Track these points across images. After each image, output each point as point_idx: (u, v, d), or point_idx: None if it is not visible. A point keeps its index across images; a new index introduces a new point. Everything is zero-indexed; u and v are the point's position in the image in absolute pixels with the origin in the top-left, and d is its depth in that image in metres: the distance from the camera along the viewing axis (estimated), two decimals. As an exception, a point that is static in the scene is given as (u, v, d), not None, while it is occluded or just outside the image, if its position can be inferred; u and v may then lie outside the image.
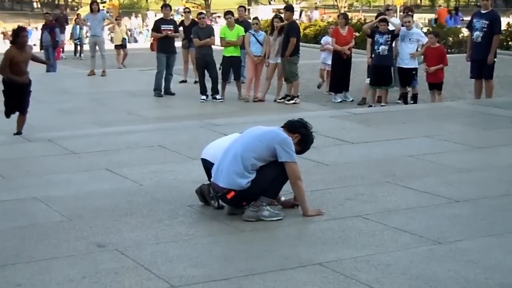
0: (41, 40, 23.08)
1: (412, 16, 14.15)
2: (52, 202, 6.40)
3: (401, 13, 20.33)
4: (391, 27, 14.16)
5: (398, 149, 8.57)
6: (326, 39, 15.38)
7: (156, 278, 4.66)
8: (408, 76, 13.29)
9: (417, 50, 13.34)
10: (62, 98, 15.23)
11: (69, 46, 29.52)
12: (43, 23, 23.95)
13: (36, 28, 39.73)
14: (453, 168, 7.61)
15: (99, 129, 10.56)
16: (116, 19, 24.56)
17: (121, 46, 22.91)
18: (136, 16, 50.24)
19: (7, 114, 10.67)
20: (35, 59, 11.26)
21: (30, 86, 10.59)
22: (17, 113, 10.50)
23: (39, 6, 72.54)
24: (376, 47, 13.40)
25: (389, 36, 13.25)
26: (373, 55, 13.52)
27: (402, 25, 13.89)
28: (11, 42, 11.01)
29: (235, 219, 5.86)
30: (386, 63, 13.37)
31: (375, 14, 16.13)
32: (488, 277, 4.64)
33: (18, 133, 10.44)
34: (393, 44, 13.66)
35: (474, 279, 4.60)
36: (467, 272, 4.71)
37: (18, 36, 10.54)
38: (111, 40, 24.57)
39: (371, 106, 13.25)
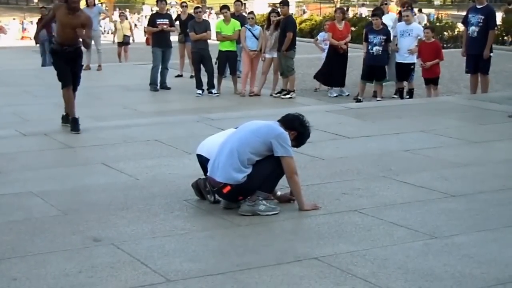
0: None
1: (412, 10, 14.09)
2: (48, 197, 6.40)
3: (399, 8, 20.29)
4: (387, 20, 14.16)
5: (394, 144, 8.58)
6: (324, 35, 15.35)
7: (152, 272, 4.66)
8: (406, 71, 13.29)
9: (416, 46, 13.33)
10: (57, 93, 15.03)
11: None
12: (39, 17, 23.87)
13: (32, 22, 39.68)
14: (449, 163, 7.62)
15: (95, 123, 10.54)
16: (119, 16, 24.36)
17: (123, 44, 22.53)
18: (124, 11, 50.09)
19: (66, 83, 9.64)
20: (86, 33, 9.47)
21: (81, 59, 9.79)
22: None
23: (36, 0, 72.18)
24: (369, 47, 13.38)
25: (384, 37, 13.23)
26: (366, 55, 13.52)
27: (400, 20, 13.89)
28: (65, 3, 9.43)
29: (231, 213, 5.86)
30: (380, 63, 13.37)
31: (371, 9, 16.12)
32: (484, 272, 4.65)
33: (74, 120, 9.41)
34: (391, 40, 13.67)
35: (470, 274, 4.61)
36: (463, 267, 4.72)
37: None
38: (113, 37, 23.92)
39: (360, 100, 13.22)
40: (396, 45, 13.37)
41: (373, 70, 13.39)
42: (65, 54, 9.49)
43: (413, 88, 13.49)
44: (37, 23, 23.78)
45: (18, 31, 44.25)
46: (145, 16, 48.03)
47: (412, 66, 13.33)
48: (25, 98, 14.41)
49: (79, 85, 9.88)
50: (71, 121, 9.49)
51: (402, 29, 13.31)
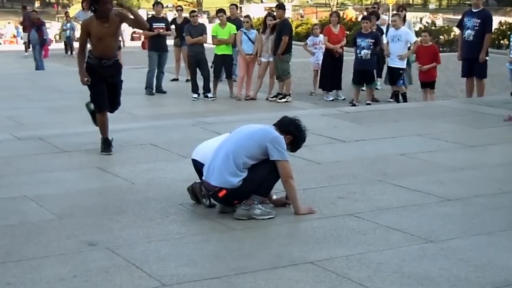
0: (28, 38, 23.04)
1: (400, 15, 14.07)
2: (43, 201, 6.37)
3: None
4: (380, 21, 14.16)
5: (390, 148, 8.58)
6: (313, 40, 15.39)
7: (147, 277, 4.64)
8: (395, 75, 13.29)
9: (409, 49, 13.34)
10: (52, 96, 15.18)
11: (54, 45, 29.48)
12: (31, 21, 23.89)
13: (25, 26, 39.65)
14: (445, 167, 7.62)
15: (90, 127, 10.51)
16: None
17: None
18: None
19: (102, 108, 8.44)
20: (137, 22, 8.52)
21: (121, 73, 8.54)
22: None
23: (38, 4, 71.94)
24: (358, 51, 13.39)
25: (372, 41, 13.24)
26: (355, 59, 13.54)
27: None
28: (91, 11, 8.39)
29: (226, 217, 5.85)
30: (369, 67, 13.38)
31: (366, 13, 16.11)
32: (480, 276, 4.64)
33: (106, 140, 8.41)
34: (384, 43, 13.68)
35: (466, 278, 4.61)
36: (459, 271, 4.71)
37: (98, 3, 8.03)
38: None
39: (354, 105, 13.23)
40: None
41: (363, 75, 13.40)
42: (103, 70, 8.29)
43: (405, 92, 13.48)
44: (29, 27, 23.79)
45: (11, 35, 44.29)
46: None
47: (401, 71, 13.32)
48: (19, 102, 14.39)
49: (120, 105, 8.72)
50: (102, 141, 8.48)
51: (392, 34, 13.34)
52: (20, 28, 31.36)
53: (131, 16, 8.66)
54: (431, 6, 72.77)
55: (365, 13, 16.21)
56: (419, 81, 13.34)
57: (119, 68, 8.56)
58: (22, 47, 27.66)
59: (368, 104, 13.25)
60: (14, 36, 41.81)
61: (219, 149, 5.89)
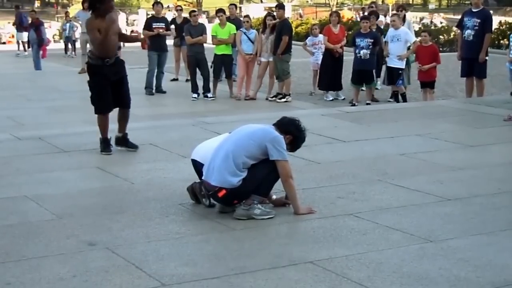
0: (27, 38, 23.07)
1: (399, 15, 14.05)
2: (43, 201, 6.37)
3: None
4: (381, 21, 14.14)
5: (390, 148, 8.58)
6: (313, 40, 15.39)
7: (147, 277, 4.64)
8: (394, 75, 13.28)
9: (408, 49, 13.34)
10: (52, 96, 15.19)
11: (54, 44, 29.51)
12: (29, 21, 23.90)
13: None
14: (445, 167, 7.62)
15: (90, 127, 10.51)
16: None
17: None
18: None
19: (102, 110, 8.40)
20: (124, 38, 9.02)
21: (125, 69, 8.58)
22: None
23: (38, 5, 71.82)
24: (357, 51, 13.39)
25: (371, 41, 13.23)
26: (354, 58, 13.53)
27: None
28: (91, 11, 8.32)
29: (226, 217, 5.85)
30: (368, 67, 13.38)
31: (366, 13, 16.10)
32: (479, 275, 4.64)
33: (124, 137, 8.53)
34: (383, 44, 13.68)
35: (465, 277, 4.61)
36: (458, 270, 4.71)
37: (103, 2, 8.02)
38: None
39: (354, 105, 13.23)
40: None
41: (362, 74, 13.41)
42: (106, 70, 8.25)
43: (405, 92, 13.48)
44: (28, 26, 23.78)
45: (10, 35, 44.32)
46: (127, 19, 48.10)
47: (400, 71, 13.30)
48: (19, 101, 14.40)
49: (130, 99, 8.75)
50: (102, 141, 8.44)
51: (391, 35, 13.33)
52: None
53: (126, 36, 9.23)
54: (431, 6, 72.72)
55: (361, 13, 16.22)
56: (419, 81, 13.33)
57: (122, 64, 8.57)
58: (22, 47, 27.65)
59: (368, 104, 13.25)
60: (13, 36, 41.83)
61: (219, 149, 5.89)
